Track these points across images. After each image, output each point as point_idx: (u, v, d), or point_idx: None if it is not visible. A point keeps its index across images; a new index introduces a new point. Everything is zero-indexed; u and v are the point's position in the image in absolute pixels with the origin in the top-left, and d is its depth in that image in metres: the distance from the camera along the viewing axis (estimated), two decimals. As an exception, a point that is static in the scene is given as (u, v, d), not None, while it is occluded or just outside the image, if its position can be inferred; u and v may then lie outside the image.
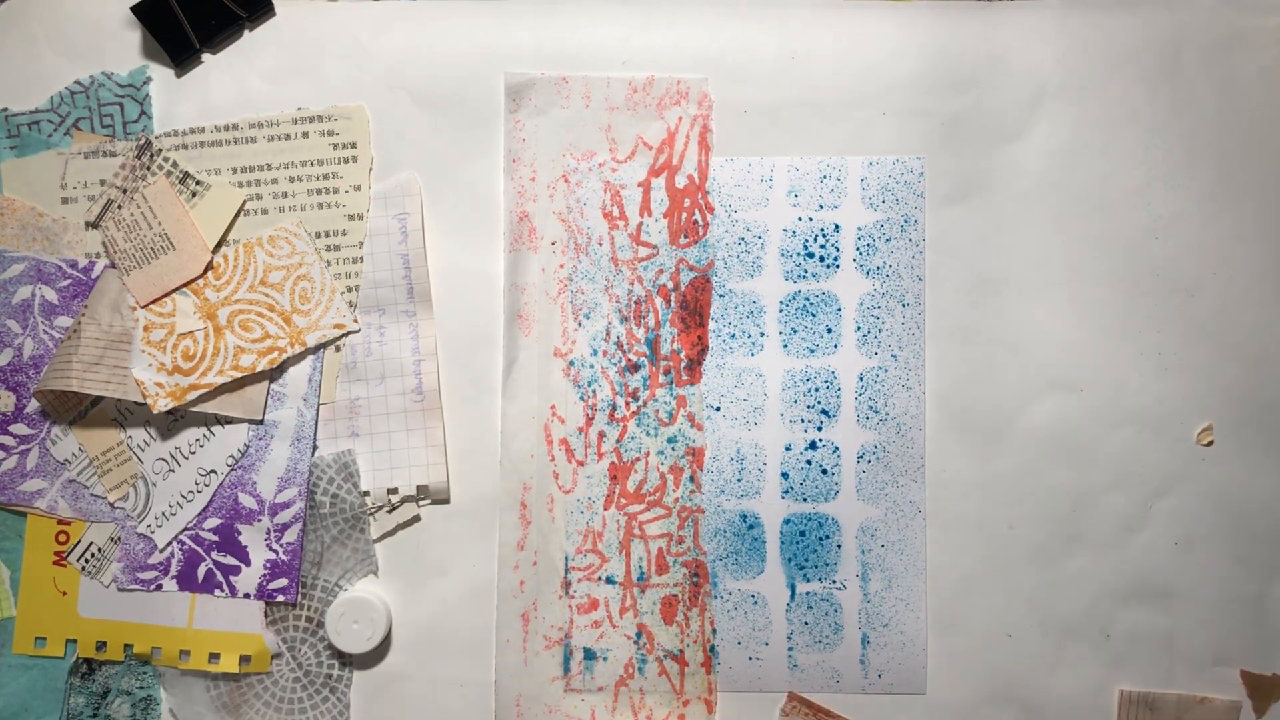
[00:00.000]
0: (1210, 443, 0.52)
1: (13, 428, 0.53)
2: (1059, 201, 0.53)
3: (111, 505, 0.52)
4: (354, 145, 0.53)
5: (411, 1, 0.53)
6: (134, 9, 0.52)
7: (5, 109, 0.53)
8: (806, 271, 0.53)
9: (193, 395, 0.51)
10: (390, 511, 0.53)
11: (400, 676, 0.53)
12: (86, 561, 0.52)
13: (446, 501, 0.53)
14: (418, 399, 0.53)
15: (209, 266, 0.52)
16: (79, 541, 0.52)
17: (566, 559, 0.53)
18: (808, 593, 0.52)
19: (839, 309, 0.53)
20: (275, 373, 0.52)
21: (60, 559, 0.53)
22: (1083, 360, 0.52)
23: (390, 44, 0.53)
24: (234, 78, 0.53)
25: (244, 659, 0.52)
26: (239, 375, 0.51)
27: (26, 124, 0.53)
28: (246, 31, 0.54)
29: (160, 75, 0.53)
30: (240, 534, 0.52)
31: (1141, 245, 0.53)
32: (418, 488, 0.52)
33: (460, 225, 0.53)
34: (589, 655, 0.52)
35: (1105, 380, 0.52)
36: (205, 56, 0.53)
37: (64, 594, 0.53)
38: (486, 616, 0.53)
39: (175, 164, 0.53)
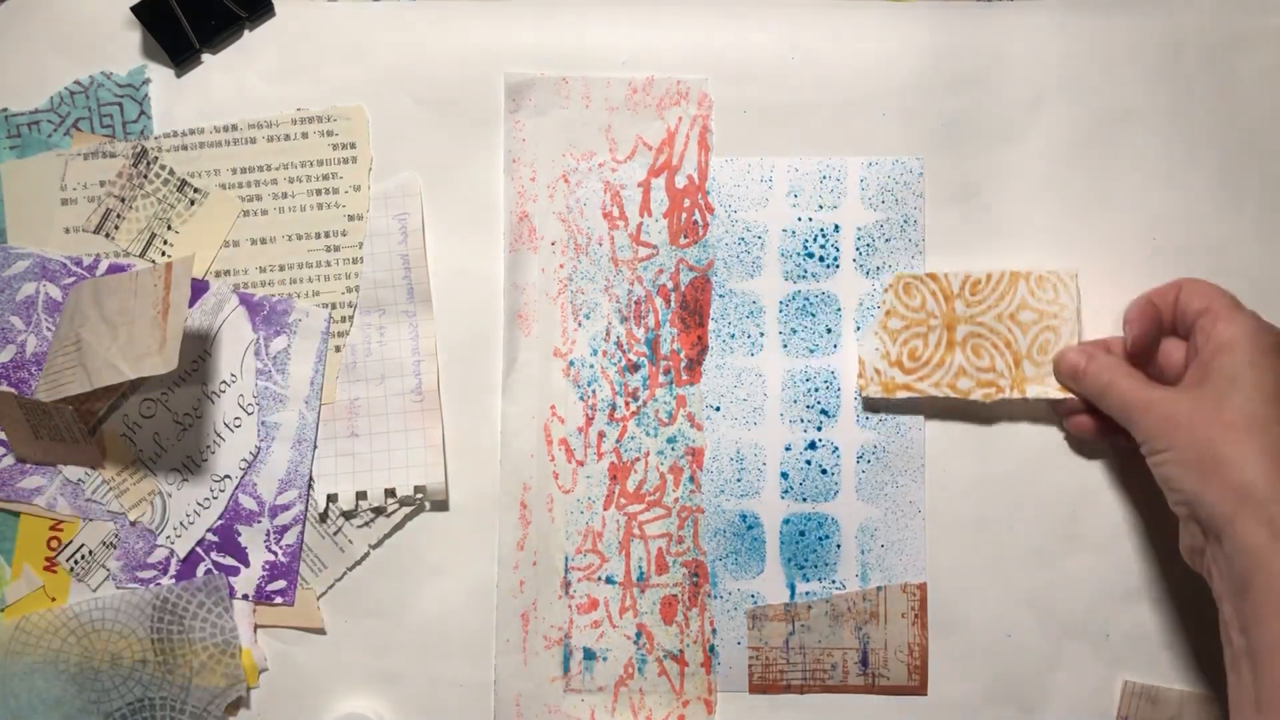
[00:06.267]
0: (1211, 443, 0.52)
1: (12, 428, 0.53)
2: (1059, 201, 0.53)
3: (132, 523, 0.52)
4: (353, 145, 0.53)
5: (412, 1, 0.54)
6: (134, 9, 0.52)
7: (5, 109, 0.53)
8: (806, 272, 0.53)
9: (901, 395, 0.51)
10: (389, 514, 0.53)
11: (400, 676, 0.53)
12: (75, 564, 0.52)
13: (445, 503, 0.53)
14: (417, 399, 0.53)
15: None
16: (69, 543, 0.52)
17: (566, 559, 0.53)
18: (807, 592, 0.52)
19: (839, 309, 0.53)
20: (276, 374, 0.52)
21: (50, 564, 0.52)
22: (1083, 360, 0.52)
23: (390, 44, 0.53)
24: (234, 78, 0.53)
25: (242, 661, 0.52)
26: (951, 395, 0.51)
27: (26, 124, 0.53)
28: (246, 31, 0.54)
29: (160, 75, 0.53)
30: (240, 535, 0.52)
31: (1141, 245, 0.53)
32: (415, 488, 0.52)
33: (460, 225, 0.53)
34: (589, 655, 0.52)
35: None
36: (205, 56, 0.53)
37: (53, 600, 0.52)
38: (486, 616, 0.52)
39: (172, 171, 0.53)
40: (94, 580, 0.52)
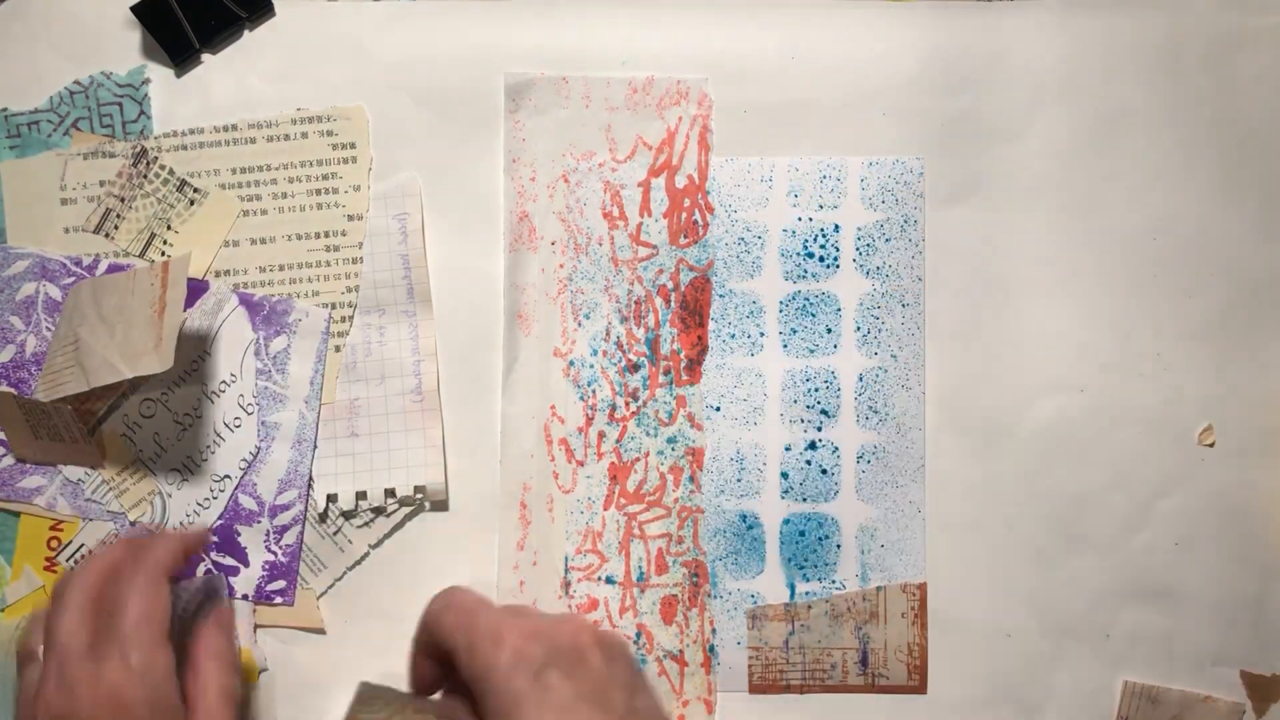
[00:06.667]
0: (1212, 443, 0.52)
1: (12, 428, 0.53)
2: (1059, 201, 0.53)
3: (132, 523, 0.52)
4: (353, 146, 0.53)
5: (412, 1, 0.54)
6: (134, 9, 0.52)
7: (5, 109, 0.53)
8: (806, 272, 0.53)
9: None
10: (389, 514, 0.53)
11: (400, 676, 0.53)
12: (75, 564, 0.52)
13: (445, 503, 0.53)
14: (417, 399, 0.53)
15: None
16: (69, 543, 0.52)
17: (566, 559, 0.52)
18: (807, 592, 0.52)
19: (839, 309, 0.53)
20: (276, 374, 0.52)
21: (50, 564, 0.52)
22: (1083, 360, 0.52)
23: (390, 44, 0.53)
24: (234, 78, 0.53)
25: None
26: None
27: (26, 124, 0.53)
28: (246, 31, 0.54)
29: (160, 75, 0.53)
30: (240, 535, 0.52)
31: (1141, 245, 0.53)
32: (415, 488, 0.52)
33: (460, 225, 0.53)
34: (589, 655, 0.52)
35: (1105, 380, 0.52)
36: (205, 56, 0.53)
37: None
38: (486, 617, 0.52)
39: (172, 171, 0.53)
40: (94, 580, 0.52)
